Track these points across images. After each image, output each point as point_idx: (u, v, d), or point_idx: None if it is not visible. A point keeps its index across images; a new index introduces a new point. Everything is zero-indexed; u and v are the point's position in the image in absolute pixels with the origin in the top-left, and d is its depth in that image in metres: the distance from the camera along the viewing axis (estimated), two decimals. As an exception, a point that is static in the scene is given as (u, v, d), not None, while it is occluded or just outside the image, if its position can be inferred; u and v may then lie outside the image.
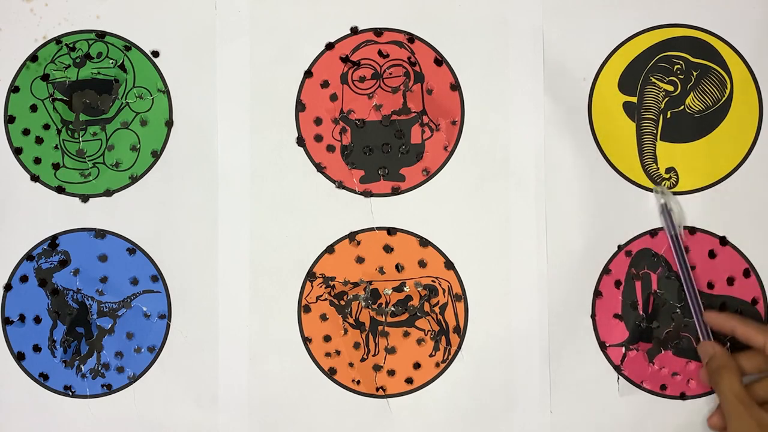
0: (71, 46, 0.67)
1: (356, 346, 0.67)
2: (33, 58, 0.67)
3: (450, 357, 0.67)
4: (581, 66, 0.67)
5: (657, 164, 0.67)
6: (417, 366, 0.67)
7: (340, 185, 0.67)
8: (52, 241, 0.67)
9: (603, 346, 0.66)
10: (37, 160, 0.67)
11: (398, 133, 0.67)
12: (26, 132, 0.67)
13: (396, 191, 0.67)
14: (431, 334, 0.67)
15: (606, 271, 0.66)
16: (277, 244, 0.67)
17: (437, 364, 0.67)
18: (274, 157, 0.67)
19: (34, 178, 0.67)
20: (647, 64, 0.67)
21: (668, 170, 0.67)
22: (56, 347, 0.67)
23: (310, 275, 0.67)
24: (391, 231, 0.67)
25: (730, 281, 0.66)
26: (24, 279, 0.67)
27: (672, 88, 0.67)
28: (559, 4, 0.67)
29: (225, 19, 0.67)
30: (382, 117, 0.67)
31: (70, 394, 0.67)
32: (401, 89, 0.67)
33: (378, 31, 0.67)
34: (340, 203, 0.67)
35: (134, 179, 0.67)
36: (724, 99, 0.67)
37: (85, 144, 0.67)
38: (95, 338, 0.67)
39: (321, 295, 0.67)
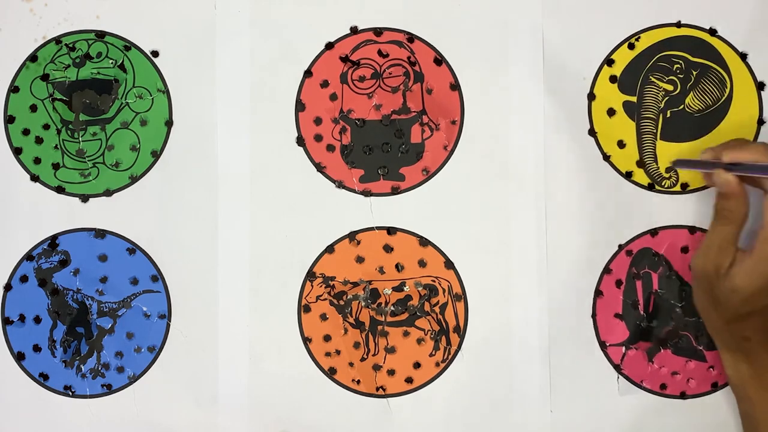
0: (71, 46, 0.67)
1: (356, 345, 0.67)
2: (33, 58, 0.67)
3: (450, 357, 0.67)
4: (581, 65, 0.67)
5: (657, 163, 0.67)
6: (417, 366, 0.67)
7: (340, 185, 0.67)
8: (52, 241, 0.67)
9: (603, 345, 0.66)
10: (37, 160, 0.67)
11: (398, 132, 0.67)
12: (26, 132, 0.67)
13: (396, 191, 0.67)
14: (431, 334, 0.67)
15: (607, 270, 0.66)
16: (277, 244, 0.67)
17: (437, 364, 0.67)
18: (274, 157, 0.67)
19: (34, 178, 0.67)
20: (647, 64, 0.67)
21: (668, 170, 0.67)
22: (56, 347, 0.67)
23: (310, 275, 0.67)
24: (391, 230, 0.67)
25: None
26: (24, 279, 0.67)
27: (672, 88, 0.67)
28: (559, 3, 0.67)
29: (225, 19, 0.67)
30: (381, 116, 0.67)
31: (70, 394, 0.67)
32: (401, 89, 0.67)
33: (378, 31, 0.67)
34: (340, 203, 0.67)
35: (134, 179, 0.67)
36: (723, 98, 0.67)
37: (85, 144, 0.67)
38: (95, 338, 0.67)
39: (321, 295, 0.67)
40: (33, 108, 0.67)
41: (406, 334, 0.67)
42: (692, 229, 0.66)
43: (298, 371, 0.67)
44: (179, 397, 0.66)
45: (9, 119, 0.67)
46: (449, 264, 0.67)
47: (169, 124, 0.67)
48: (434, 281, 0.67)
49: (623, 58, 0.67)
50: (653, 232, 0.66)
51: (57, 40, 0.67)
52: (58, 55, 0.67)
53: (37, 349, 0.67)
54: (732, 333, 0.60)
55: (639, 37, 0.67)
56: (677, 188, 0.67)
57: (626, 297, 0.66)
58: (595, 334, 0.66)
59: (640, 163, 0.67)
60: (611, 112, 0.67)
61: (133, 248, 0.67)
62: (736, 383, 0.62)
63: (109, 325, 0.67)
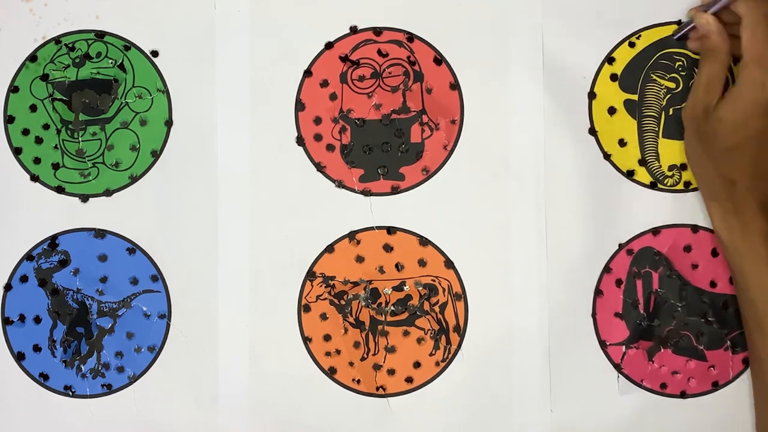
0: (70, 46, 0.67)
1: (356, 345, 0.67)
2: (32, 58, 0.67)
3: (450, 356, 0.66)
4: (581, 64, 0.67)
5: (659, 162, 0.66)
6: (417, 365, 0.66)
7: (340, 184, 0.67)
8: (52, 241, 0.67)
9: (603, 344, 0.66)
10: (37, 160, 0.67)
11: (398, 132, 0.67)
12: (26, 132, 0.67)
13: (396, 190, 0.67)
14: (431, 333, 0.67)
15: (607, 269, 0.66)
16: (277, 244, 0.67)
17: (437, 363, 0.66)
18: (273, 157, 0.67)
19: (34, 178, 0.67)
20: (648, 62, 0.67)
21: (671, 168, 0.67)
22: (56, 347, 0.67)
23: (310, 275, 0.67)
24: (390, 230, 0.67)
25: (732, 280, 0.66)
26: (24, 279, 0.67)
27: (673, 85, 0.67)
28: (559, 3, 0.67)
29: (225, 19, 0.67)
30: (381, 116, 0.67)
31: (70, 394, 0.67)
32: (401, 88, 0.67)
33: (377, 31, 0.67)
34: (339, 202, 0.67)
35: (134, 179, 0.67)
36: (725, 96, 0.67)
37: (84, 144, 0.67)
38: (95, 338, 0.67)
39: (321, 295, 0.67)
40: (33, 108, 0.67)
41: (406, 333, 0.67)
42: (695, 228, 0.66)
43: (298, 371, 0.67)
44: (179, 397, 0.67)
45: (9, 119, 0.67)
46: (449, 263, 0.67)
47: (168, 124, 0.67)
48: (434, 281, 0.67)
49: (624, 56, 0.67)
50: (655, 231, 0.66)
51: (57, 40, 0.67)
52: (58, 55, 0.67)
53: (37, 349, 0.67)
54: (720, 176, 0.61)
55: (639, 36, 0.67)
56: (680, 186, 0.66)
57: (626, 296, 0.66)
58: (595, 334, 0.66)
59: (642, 162, 0.66)
60: (612, 111, 0.67)
61: (133, 248, 0.67)
62: (724, 238, 0.62)
63: (109, 325, 0.67)
